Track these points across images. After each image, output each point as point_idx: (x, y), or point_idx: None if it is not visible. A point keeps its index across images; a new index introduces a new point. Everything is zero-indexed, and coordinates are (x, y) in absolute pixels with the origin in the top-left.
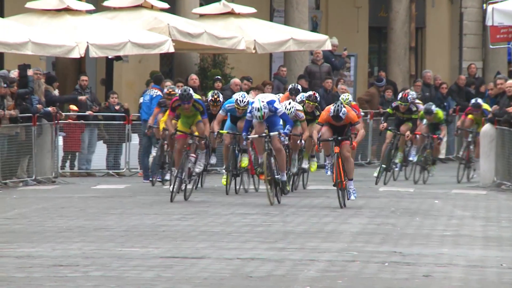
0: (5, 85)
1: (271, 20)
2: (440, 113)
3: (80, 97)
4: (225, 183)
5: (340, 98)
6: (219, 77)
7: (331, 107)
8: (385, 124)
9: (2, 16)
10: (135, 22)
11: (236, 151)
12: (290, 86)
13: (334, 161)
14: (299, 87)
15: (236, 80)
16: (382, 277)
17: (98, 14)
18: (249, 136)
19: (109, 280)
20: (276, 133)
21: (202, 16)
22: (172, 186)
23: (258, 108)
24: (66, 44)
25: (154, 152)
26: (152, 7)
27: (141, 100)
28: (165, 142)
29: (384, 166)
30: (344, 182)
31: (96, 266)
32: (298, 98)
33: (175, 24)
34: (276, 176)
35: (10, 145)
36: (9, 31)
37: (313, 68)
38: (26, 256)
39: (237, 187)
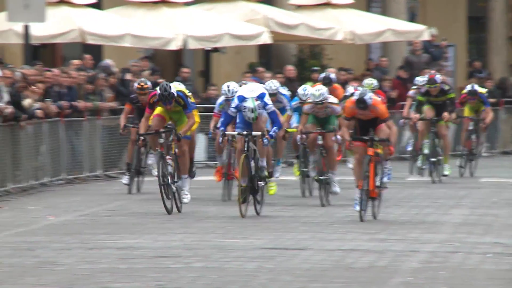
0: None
1: (368, 10)
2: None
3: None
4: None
5: (364, 83)
6: (316, 68)
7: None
8: (417, 115)
9: (101, 9)
10: (232, 13)
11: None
12: (322, 75)
13: (364, 165)
14: (332, 75)
15: (333, 70)
16: (484, 268)
17: (195, 6)
18: (227, 133)
19: (211, 271)
20: (259, 133)
21: (299, 7)
22: (161, 197)
23: (252, 109)
24: (164, 36)
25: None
26: None
27: None
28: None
29: (433, 159)
30: (376, 192)
31: (198, 257)
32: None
33: (272, 15)
34: (260, 160)
35: (111, 137)
36: (108, 24)
37: (412, 58)
38: (128, 248)
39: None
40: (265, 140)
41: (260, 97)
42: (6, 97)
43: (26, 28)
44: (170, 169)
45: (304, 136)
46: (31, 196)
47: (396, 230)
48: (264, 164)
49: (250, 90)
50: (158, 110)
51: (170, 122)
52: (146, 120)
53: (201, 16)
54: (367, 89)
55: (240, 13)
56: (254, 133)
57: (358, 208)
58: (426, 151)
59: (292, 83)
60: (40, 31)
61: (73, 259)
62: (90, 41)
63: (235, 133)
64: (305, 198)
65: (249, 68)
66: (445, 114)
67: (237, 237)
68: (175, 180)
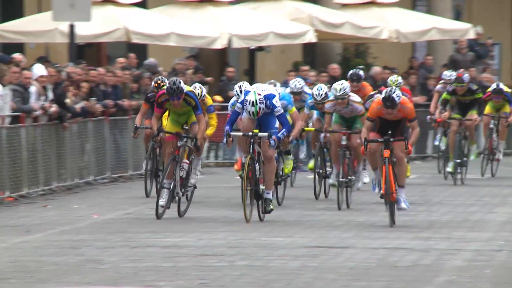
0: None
1: (413, 9)
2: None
3: None
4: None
5: (389, 81)
6: (361, 66)
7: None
8: (446, 113)
9: (146, 8)
10: (277, 12)
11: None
12: (351, 72)
13: (381, 169)
14: (361, 72)
15: (377, 68)
16: None
17: (240, 4)
18: (232, 133)
19: (255, 270)
20: (266, 134)
21: (344, 5)
22: (158, 198)
23: (253, 102)
24: (209, 35)
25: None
26: None
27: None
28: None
29: (458, 160)
30: (394, 194)
31: (241, 255)
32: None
33: (317, 14)
34: (262, 187)
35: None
36: (153, 23)
37: (457, 57)
38: (172, 246)
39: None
40: (272, 142)
41: (269, 97)
42: (50, 96)
43: (72, 27)
44: (182, 173)
45: (328, 135)
46: (75, 194)
47: (440, 229)
48: (270, 196)
49: (261, 89)
50: (169, 127)
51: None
52: (156, 119)
53: (246, 15)
54: (394, 87)
55: (285, 12)
56: (260, 134)
57: (376, 190)
58: (458, 160)
59: (336, 82)
60: (86, 30)
61: (117, 258)
62: (135, 40)
63: (240, 134)
64: (318, 201)
65: (293, 66)
66: (476, 117)
67: (281, 235)
68: (185, 188)
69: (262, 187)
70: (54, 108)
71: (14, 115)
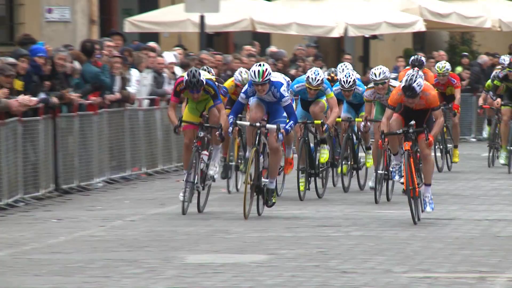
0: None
1: None
2: None
3: None
4: (302, 188)
5: (436, 67)
6: (466, 53)
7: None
8: (499, 99)
9: (269, 0)
10: (389, 3)
11: (312, 145)
12: (412, 57)
13: (404, 161)
14: (423, 58)
15: (485, 57)
16: None
17: None
18: (238, 122)
19: (368, 239)
20: (274, 127)
21: None
22: (182, 194)
23: (260, 64)
24: (327, 24)
25: None
26: None
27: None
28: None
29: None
30: (418, 189)
31: (356, 226)
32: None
33: (426, 5)
34: (264, 180)
35: None
36: (276, 14)
37: None
38: (293, 218)
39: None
40: (280, 136)
41: (276, 85)
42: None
43: (202, 18)
44: (202, 166)
45: (368, 124)
46: None
47: None
48: (273, 186)
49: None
50: (186, 115)
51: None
52: (173, 108)
53: (360, 6)
54: (415, 74)
55: (396, 3)
56: (268, 125)
57: (396, 178)
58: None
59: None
60: (214, 20)
61: (243, 228)
62: (259, 29)
63: (247, 123)
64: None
65: (404, 53)
66: None
67: (392, 208)
68: (204, 182)
69: (264, 180)
70: None
71: (150, 98)
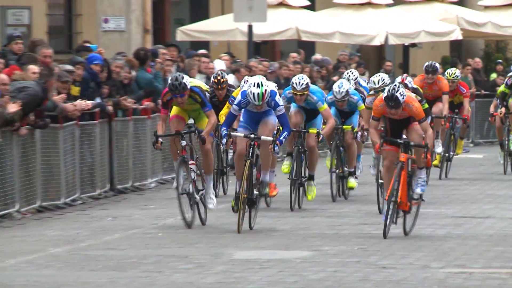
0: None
1: None
2: None
3: None
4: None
5: (446, 73)
6: (500, 60)
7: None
8: (503, 109)
9: (314, 10)
10: (428, 13)
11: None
12: (426, 64)
13: (395, 171)
14: (438, 65)
15: None
16: None
17: (395, 7)
18: (232, 134)
19: (407, 237)
20: (270, 139)
21: (486, 7)
22: (179, 208)
23: (258, 84)
24: (368, 33)
25: None
26: (443, 1)
27: None
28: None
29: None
30: (408, 205)
31: (395, 225)
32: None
33: (463, 15)
34: (256, 193)
35: None
36: (320, 23)
37: None
38: (335, 216)
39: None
40: (276, 148)
41: (271, 94)
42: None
43: (250, 27)
44: (193, 175)
45: (366, 133)
46: None
47: None
48: (267, 179)
49: (265, 84)
50: (175, 110)
51: (191, 122)
52: (163, 122)
53: (400, 16)
54: (398, 84)
55: (435, 13)
56: (263, 137)
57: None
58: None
59: (478, 74)
60: (262, 29)
61: (289, 226)
62: (305, 38)
63: (241, 134)
64: (335, 202)
65: (442, 61)
66: None
67: (430, 207)
68: (200, 188)
69: (256, 192)
70: None
71: None
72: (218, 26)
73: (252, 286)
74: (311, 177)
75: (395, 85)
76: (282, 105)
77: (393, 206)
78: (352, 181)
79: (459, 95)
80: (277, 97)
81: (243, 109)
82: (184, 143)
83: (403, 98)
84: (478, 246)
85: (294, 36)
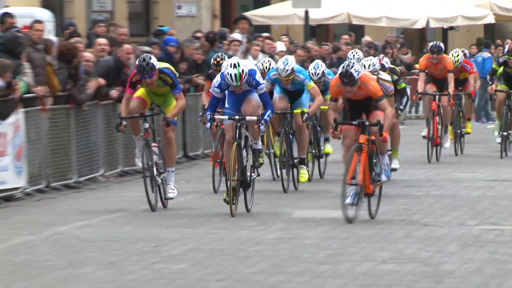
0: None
1: None
2: None
3: None
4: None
5: (450, 55)
6: None
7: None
8: (493, 85)
9: None
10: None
11: (290, 136)
12: (431, 43)
13: (353, 153)
14: (442, 45)
15: None
16: None
17: None
18: (216, 117)
19: (445, 198)
20: (255, 118)
21: None
22: (145, 190)
23: (235, 65)
24: (412, 17)
25: None
26: None
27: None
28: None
29: (505, 133)
30: (371, 187)
31: (435, 187)
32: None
33: (495, 1)
34: (253, 143)
35: None
36: (369, 8)
37: None
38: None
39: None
40: (262, 127)
41: (251, 73)
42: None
43: (306, 12)
44: (155, 158)
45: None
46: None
47: None
48: (259, 146)
49: (243, 64)
50: (140, 91)
51: (155, 105)
52: (126, 101)
53: (440, 2)
54: (353, 61)
55: None
56: (248, 117)
57: (348, 200)
58: (505, 132)
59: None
60: (317, 14)
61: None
62: (355, 22)
63: (226, 117)
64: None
65: (476, 42)
66: None
67: (466, 171)
68: (161, 171)
69: (249, 174)
70: None
71: None
72: (278, 11)
73: (308, 241)
74: (302, 161)
75: (350, 61)
76: (263, 83)
77: (365, 190)
78: (328, 147)
79: (464, 72)
80: (257, 76)
81: (227, 95)
82: (147, 125)
83: (357, 74)
84: (509, 206)
85: (345, 20)
